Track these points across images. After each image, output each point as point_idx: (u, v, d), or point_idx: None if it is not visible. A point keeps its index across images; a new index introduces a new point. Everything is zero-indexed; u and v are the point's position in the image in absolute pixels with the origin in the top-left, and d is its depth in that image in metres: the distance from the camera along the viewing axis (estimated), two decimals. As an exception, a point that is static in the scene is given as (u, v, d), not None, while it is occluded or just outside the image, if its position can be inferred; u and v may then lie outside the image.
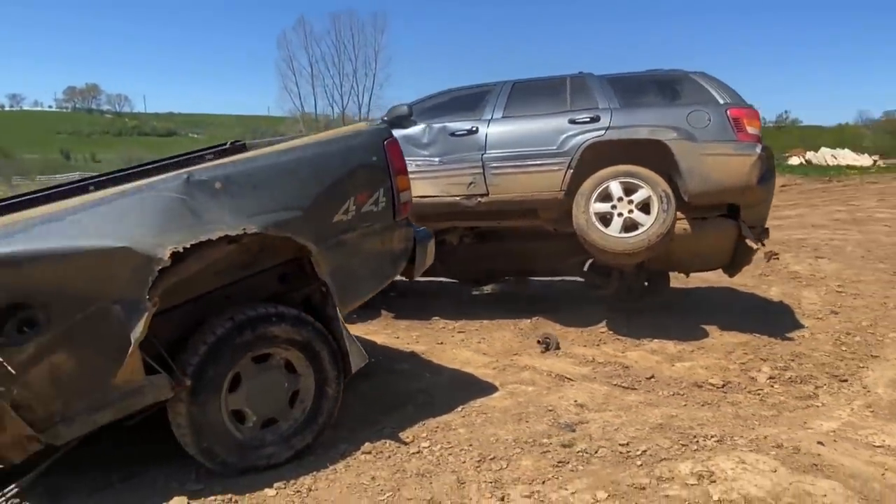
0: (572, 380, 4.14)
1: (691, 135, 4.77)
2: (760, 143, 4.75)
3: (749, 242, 4.98)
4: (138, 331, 2.53)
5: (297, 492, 2.82)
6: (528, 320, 5.46)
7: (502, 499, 2.75)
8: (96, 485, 2.92)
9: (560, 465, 3.01)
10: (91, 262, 2.49)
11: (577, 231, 4.84)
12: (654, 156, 4.84)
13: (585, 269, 5.87)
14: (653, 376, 4.16)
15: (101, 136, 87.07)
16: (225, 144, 4.78)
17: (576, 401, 3.77)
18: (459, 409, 3.70)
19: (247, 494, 2.80)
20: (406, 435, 3.37)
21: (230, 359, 2.88)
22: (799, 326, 5.26)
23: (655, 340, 4.88)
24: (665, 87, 5.30)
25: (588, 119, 5.06)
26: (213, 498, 2.77)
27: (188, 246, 2.61)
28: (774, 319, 5.46)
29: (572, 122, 5.10)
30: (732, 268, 5.46)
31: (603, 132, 4.98)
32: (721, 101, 4.92)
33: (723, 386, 3.97)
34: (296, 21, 66.96)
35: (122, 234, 2.55)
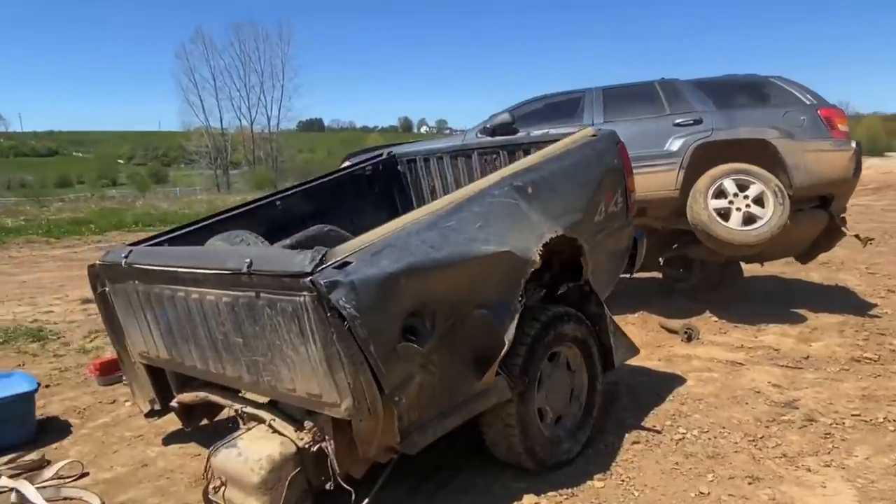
0: (742, 364, 4.41)
1: (791, 133, 5.22)
2: (851, 139, 5.27)
3: (843, 230, 5.49)
4: (510, 333, 2.54)
5: (621, 482, 2.90)
6: (635, 315, 5.70)
7: (808, 469, 2.95)
8: (420, 491, 2.86)
9: (826, 437, 3.26)
10: (476, 267, 2.48)
11: (697, 226, 5.14)
12: (755, 154, 5.24)
13: (661, 263, 6.23)
14: (808, 356, 4.51)
15: (-28, 158, 79.60)
16: (381, 155, 4.71)
17: (768, 381, 4.04)
18: (670, 398, 3.86)
19: (575, 488, 2.84)
20: (649, 423, 3.50)
21: (540, 358, 2.91)
22: (872, 304, 5.83)
23: (771, 325, 5.26)
24: (751, 90, 5.73)
25: (692, 122, 5.40)
26: (552, 493, 2.79)
27: (546, 244, 2.64)
28: (846, 300, 6.01)
29: (677, 125, 5.42)
30: (809, 255, 5.97)
31: (709, 133, 5.33)
32: (808, 102, 5.41)
33: (878, 359, 4.37)
34: (193, 32, 64.29)
35: (500, 238, 2.55)
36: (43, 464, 3.33)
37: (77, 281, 9.07)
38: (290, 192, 4.11)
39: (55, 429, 3.79)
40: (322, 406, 2.42)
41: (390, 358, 2.27)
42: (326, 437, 2.52)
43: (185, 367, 2.99)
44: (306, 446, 2.53)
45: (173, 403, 3.27)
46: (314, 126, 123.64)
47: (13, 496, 2.95)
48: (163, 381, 3.41)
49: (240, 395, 2.95)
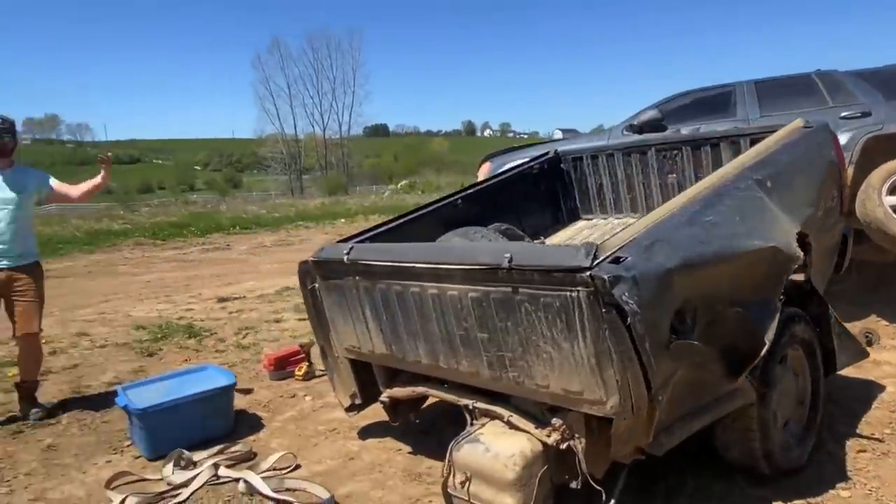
0: (942, 369, 4.15)
1: (967, 123, 4.90)
2: None
3: None
4: (771, 334, 2.44)
5: (869, 492, 2.74)
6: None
7: None
8: (654, 493, 2.78)
9: None
10: (741, 263, 2.39)
11: (869, 224, 4.87)
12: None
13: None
14: None
15: (63, 167, 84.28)
16: (549, 153, 4.67)
17: (984, 388, 3.78)
18: (875, 405, 3.66)
19: (821, 497, 2.71)
20: (866, 431, 3.31)
21: (776, 360, 2.79)
22: None
23: (950, 328, 4.93)
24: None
25: (859, 114, 5.13)
26: (799, 502, 2.66)
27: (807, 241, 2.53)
28: None
29: (843, 118, 5.16)
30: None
31: (880, 126, 5.05)
32: None
33: None
34: (270, 43, 66.38)
35: (763, 233, 2.46)
36: (251, 456, 3.42)
37: (200, 281, 9.45)
38: (467, 192, 4.11)
39: (247, 422, 3.90)
40: (581, 403, 2.37)
41: (661, 356, 2.21)
42: (576, 435, 2.48)
43: (405, 362, 3.01)
44: (554, 444, 2.49)
45: (383, 398, 3.30)
46: (379, 131, 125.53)
47: (241, 485, 3.04)
48: (365, 377, 3.46)
49: (448, 388, 2.95)
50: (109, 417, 4.06)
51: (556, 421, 2.52)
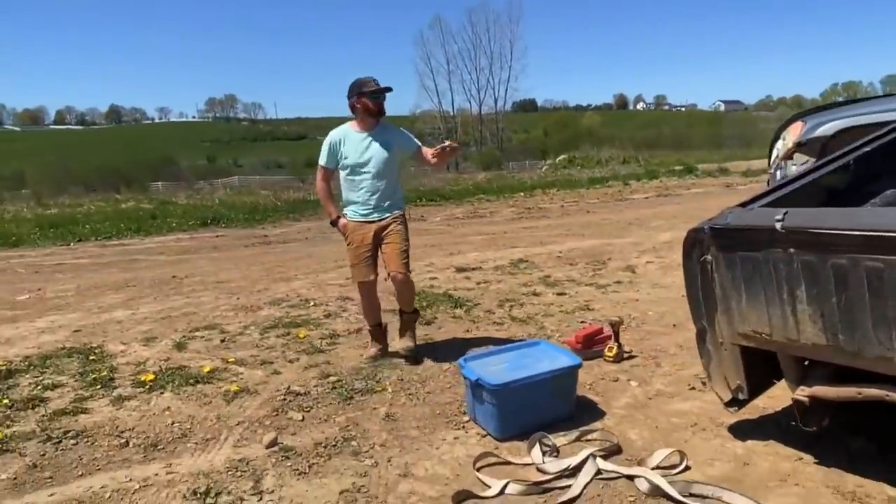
0: None
1: None
2: None
3: None
4: None
5: None
6: None
7: None
8: None
9: None
10: None
11: None
12: None
13: None
14: None
15: (239, 143, 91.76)
16: None
17: None
18: None
19: None
20: None
21: None
22: None
23: None
24: None
25: None
26: None
27: None
28: None
29: None
30: None
31: None
32: None
33: None
34: (432, 19, 67.45)
35: None
36: (617, 447, 3.03)
37: (421, 250, 9.38)
38: (853, 154, 3.42)
39: (583, 406, 3.52)
40: None
41: None
42: None
43: (860, 357, 2.44)
44: None
45: (799, 396, 2.75)
46: (527, 106, 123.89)
47: (642, 485, 2.64)
48: (755, 367, 2.93)
49: None
50: (431, 388, 3.87)
51: None
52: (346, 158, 4.24)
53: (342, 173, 4.29)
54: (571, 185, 23.23)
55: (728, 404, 3.05)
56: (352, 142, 4.24)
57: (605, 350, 4.20)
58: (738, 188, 18.93)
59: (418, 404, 3.65)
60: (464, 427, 3.34)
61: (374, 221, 4.24)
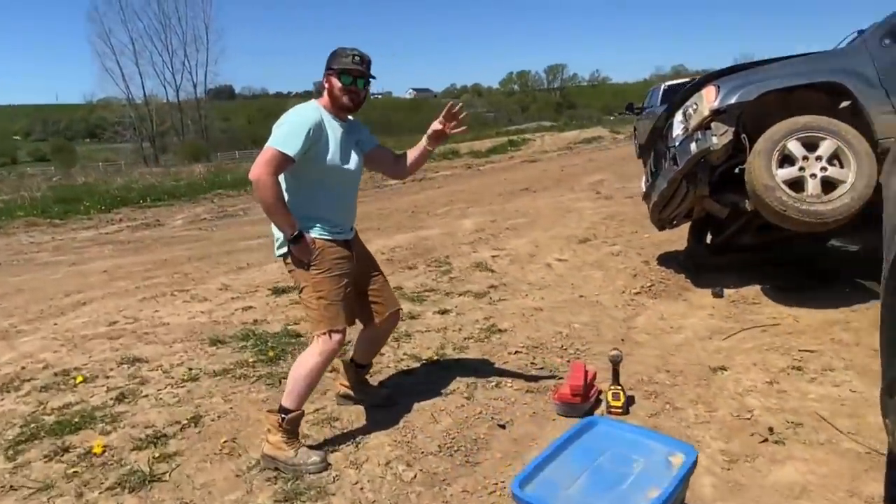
0: None
1: None
2: None
3: None
4: None
5: None
6: None
7: None
8: None
9: None
10: None
11: None
12: None
13: None
14: None
15: None
16: None
17: None
18: None
19: None
20: None
21: None
22: None
23: None
24: None
25: None
26: None
27: None
28: None
29: None
30: None
31: None
32: None
33: None
34: (105, -9, 58.28)
35: None
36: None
37: (207, 263, 7.16)
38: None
39: None
40: None
41: None
42: None
43: None
44: None
45: None
46: (225, 93, 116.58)
47: None
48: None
49: None
50: None
51: None
52: (323, 153, 2.79)
53: (304, 173, 2.80)
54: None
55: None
56: (333, 132, 2.84)
57: (610, 398, 3.01)
58: (480, 169, 19.31)
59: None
60: None
61: (348, 242, 2.96)
